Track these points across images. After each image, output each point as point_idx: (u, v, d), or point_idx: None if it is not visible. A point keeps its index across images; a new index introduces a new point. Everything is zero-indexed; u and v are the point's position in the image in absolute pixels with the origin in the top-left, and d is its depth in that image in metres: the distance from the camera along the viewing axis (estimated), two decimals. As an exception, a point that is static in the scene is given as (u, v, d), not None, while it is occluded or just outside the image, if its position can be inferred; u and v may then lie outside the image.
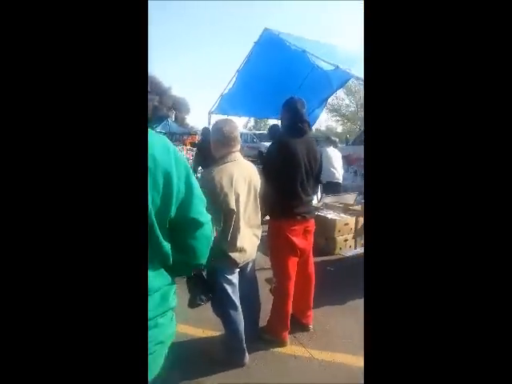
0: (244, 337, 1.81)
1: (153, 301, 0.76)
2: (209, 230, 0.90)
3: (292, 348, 2.06)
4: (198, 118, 19.33)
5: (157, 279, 0.79)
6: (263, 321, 2.11)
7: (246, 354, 1.85)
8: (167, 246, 0.80)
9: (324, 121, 24.99)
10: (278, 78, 5.58)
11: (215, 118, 7.18)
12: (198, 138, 20.23)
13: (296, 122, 2.02)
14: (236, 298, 1.77)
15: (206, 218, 0.88)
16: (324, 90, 6.39)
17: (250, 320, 1.85)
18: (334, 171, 4.57)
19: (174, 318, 0.87)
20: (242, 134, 7.99)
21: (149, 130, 0.75)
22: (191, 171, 0.83)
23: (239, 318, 1.78)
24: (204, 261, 0.95)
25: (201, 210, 0.86)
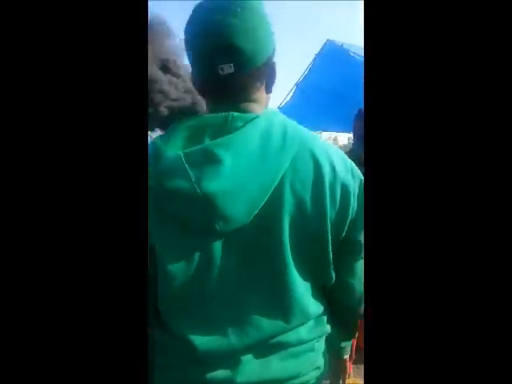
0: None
1: (308, 324, 0.71)
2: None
3: (355, 381, 1.83)
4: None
5: (316, 307, 0.72)
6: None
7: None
8: (333, 269, 0.72)
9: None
10: (340, 89, 5.42)
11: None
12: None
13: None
14: None
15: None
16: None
17: None
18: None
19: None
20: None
21: (317, 136, 0.73)
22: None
23: None
24: (361, 303, 0.80)
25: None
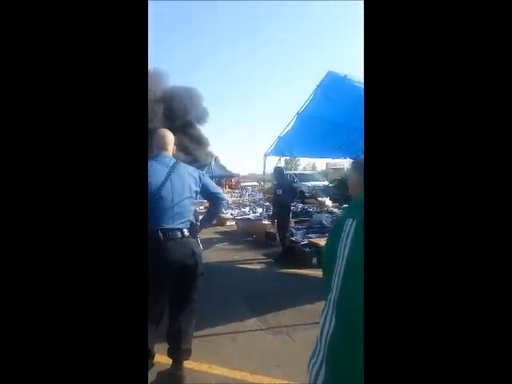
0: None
1: None
2: None
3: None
4: (236, 162, 20.08)
5: None
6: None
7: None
8: None
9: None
10: (340, 119, 5.63)
11: (270, 160, 7.27)
12: (233, 181, 20.90)
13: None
14: None
15: None
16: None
17: None
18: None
19: None
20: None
21: None
22: None
23: None
24: None
25: None
